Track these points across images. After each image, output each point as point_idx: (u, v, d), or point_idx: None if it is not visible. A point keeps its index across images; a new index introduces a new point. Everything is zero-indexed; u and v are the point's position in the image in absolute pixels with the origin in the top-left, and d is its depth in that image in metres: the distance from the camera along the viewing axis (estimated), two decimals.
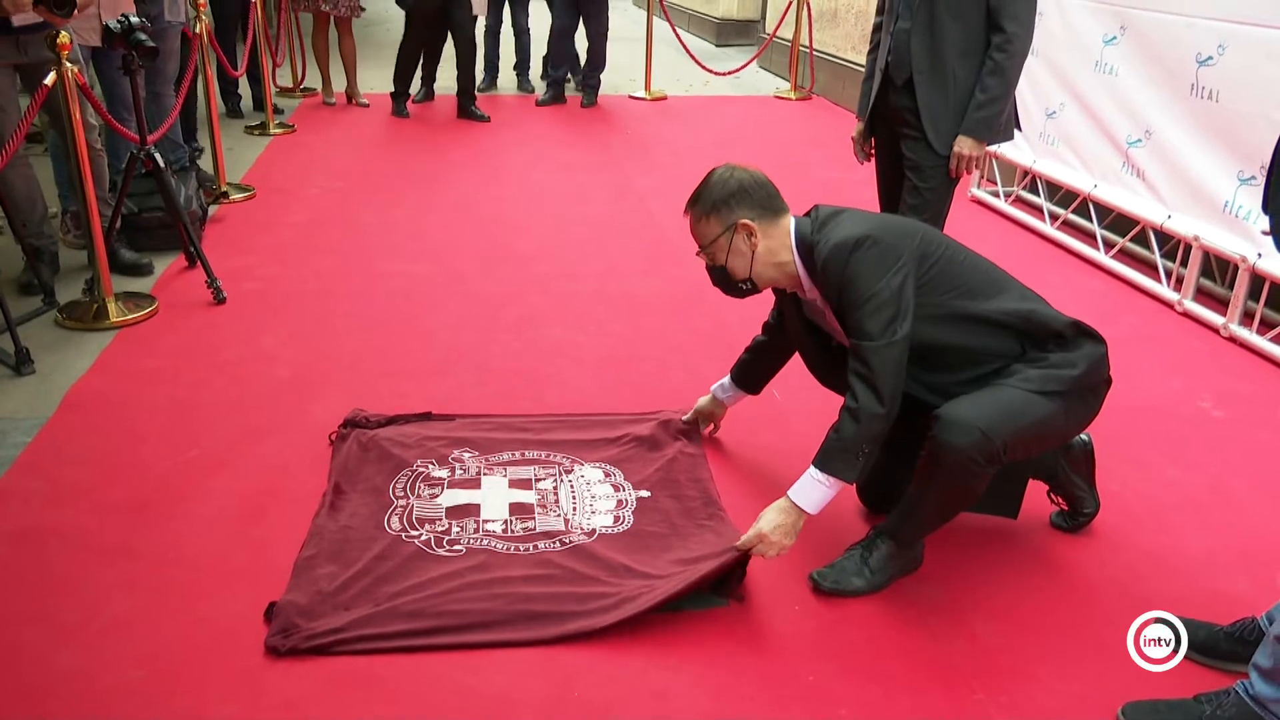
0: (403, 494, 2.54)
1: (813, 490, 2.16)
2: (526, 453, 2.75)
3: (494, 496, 2.53)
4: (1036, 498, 2.53)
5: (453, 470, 2.65)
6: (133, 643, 2.06)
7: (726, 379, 2.82)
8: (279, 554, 2.34)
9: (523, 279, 4.15)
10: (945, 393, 2.19)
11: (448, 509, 2.48)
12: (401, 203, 5.12)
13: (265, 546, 2.37)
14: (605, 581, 2.22)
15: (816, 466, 2.15)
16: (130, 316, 3.58)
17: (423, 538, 2.36)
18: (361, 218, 4.85)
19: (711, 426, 2.89)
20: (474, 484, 2.59)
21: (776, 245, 2.28)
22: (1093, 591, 2.31)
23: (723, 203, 2.27)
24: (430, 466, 2.66)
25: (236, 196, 5.05)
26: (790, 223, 2.30)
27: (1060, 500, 2.51)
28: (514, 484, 2.60)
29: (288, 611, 2.08)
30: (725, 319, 3.79)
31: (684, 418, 2.88)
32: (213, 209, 4.78)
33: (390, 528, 2.40)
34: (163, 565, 2.29)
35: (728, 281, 2.35)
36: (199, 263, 3.86)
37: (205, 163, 5.29)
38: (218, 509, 2.52)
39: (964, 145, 3.05)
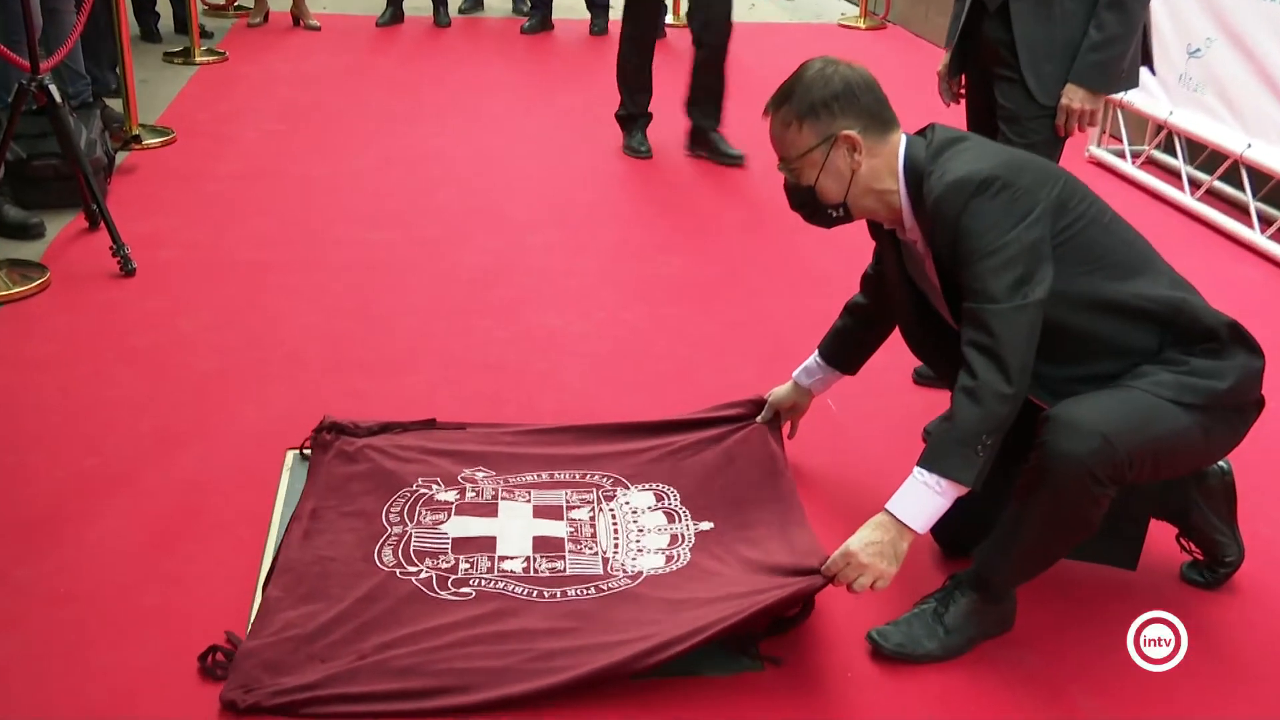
0: (399, 519, 2.55)
1: (918, 499, 2.12)
2: (556, 473, 2.75)
3: (514, 527, 2.54)
4: (1160, 544, 2.53)
5: (462, 492, 2.66)
6: (12, 697, 2.09)
7: (812, 359, 2.79)
8: (197, 591, 2.36)
9: (511, 252, 4.18)
10: (1056, 390, 2.20)
11: (455, 540, 2.49)
12: (360, 152, 5.16)
13: (180, 582, 2.40)
14: (645, 624, 2.22)
15: (923, 467, 2.12)
16: (15, 290, 3.63)
17: (422, 575, 2.37)
18: (309, 171, 4.90)
19: (789, 425, 2.87)
20: (489, 510, 2.60)
21: (881, 167, 2.29)
22: (1237, 665, 2.30)
23: (823, 106, 2.27)
24: (434, 487, 2.67)
25: (151, 141, 5.11)
26: (901, 141, 2.30)
27: (1193, 547, 2.52)
28: (540, 512, 2.61)
29: (249, 661, 2.10)
30: (765, 307, 3.81)
31: (759, 417, 2.87)
32: (121, 156, 4.84)
33: (382, 562, 2.41)
34: (52, 603, 2.33)
35: (813, 207, 2.36)
36: (103, 224, 3.91)
37: (115, 99, 5.35)
38: (121, 534, 2.55)
39: (1074, 96, 3.04)
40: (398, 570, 2.39)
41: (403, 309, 3.69)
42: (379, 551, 2.45)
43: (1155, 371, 2.17)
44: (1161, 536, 2.53)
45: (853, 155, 2.28)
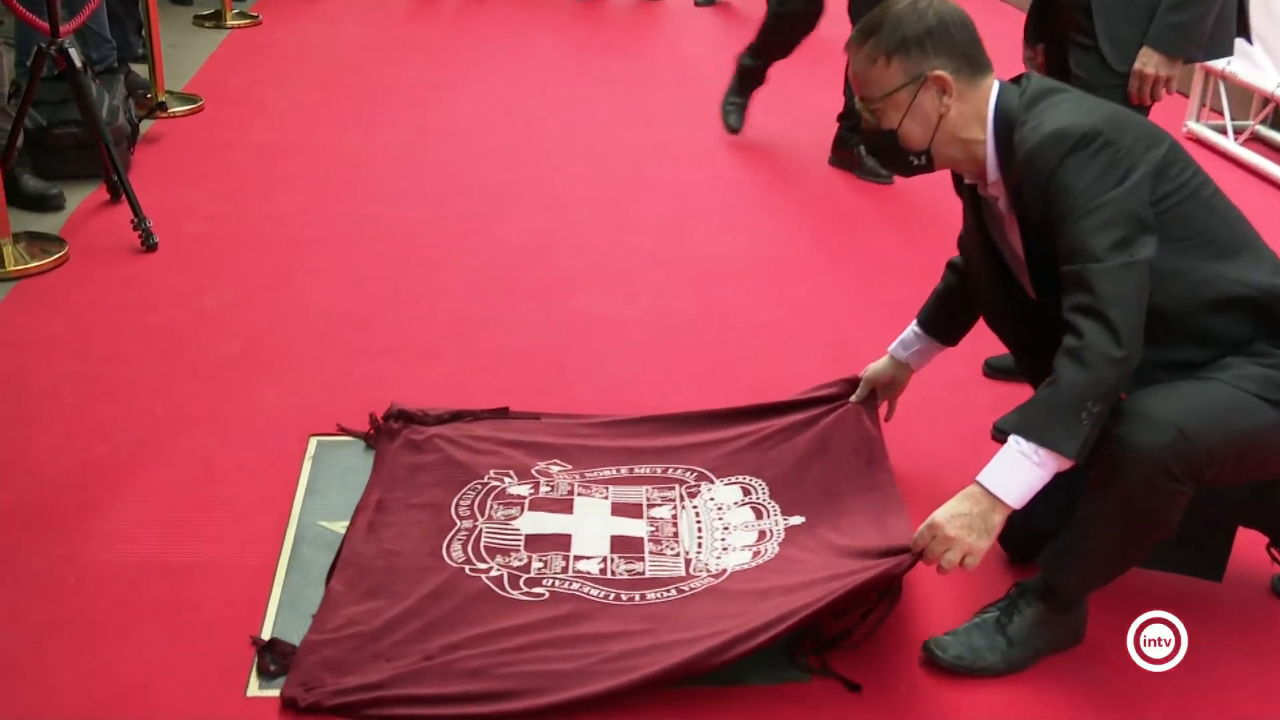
0: (469, 513, 2.58)
1: (1013, 469, 2.06)
2: (636, 467, 2.76)
3: (591, 525, 2.55)
4: (1248, 553, 2.49)
5: (536, 486, 2.67)
6: (15, 690, 2.13)
7: (909, 329, 2.76)
8: (210, 584, 2.39)
9: (554, 230, 4.19)
10: (1136, 375, 2.14)
11: (528, 537, 2.50)
12: (396, 122, 5.20)
13: (192, 574, 2.43)
14: (724, 618, 2.21)
15: (1020, 435, 2.06)
16: (32, 265, 3.70)
17: (493, 573, 2.39)
18: (342, 142, 4.95)
19: (886, 406, 2.82)
20: (564, 506, 2.61)
21: (970, 114, 2.27)
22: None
23: (915, 42, 2.24)
24: (507, 480, 2.69)
25: (178, 109, 5.18)
26: (993, 87, 2.28)
27: None
28: (618, 510, 2.61)
29: (310, 658, 2.13)
30: (830, 293, 3.79)
31: (853, 396, 2.80)
32: (146, 125, 4.91)
33: (450, 557, 2.43)
34: (56, 594, 2.36)
35: (893, 152, 2.34)
36: (124, 196, 3.97)
37: (141, 65, 5.43)
38: (131, 523, 2.58)
39: (1149, 60, 3.01)
40: (467, 567, 2.41)
41: (436, 289, 3.72)
42: (447, 546, 2.47)
43: (1241, 364, 2.13)
44: (1247, 547, 2.47)
45: (941, 98, 2.25)
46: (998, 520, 2.10)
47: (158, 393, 3.08)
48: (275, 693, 2.12)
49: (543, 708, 2.07)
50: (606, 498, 2.65)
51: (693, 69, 6.15)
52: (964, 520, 2.10)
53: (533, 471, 2.72)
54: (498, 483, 2.67)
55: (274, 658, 2.17)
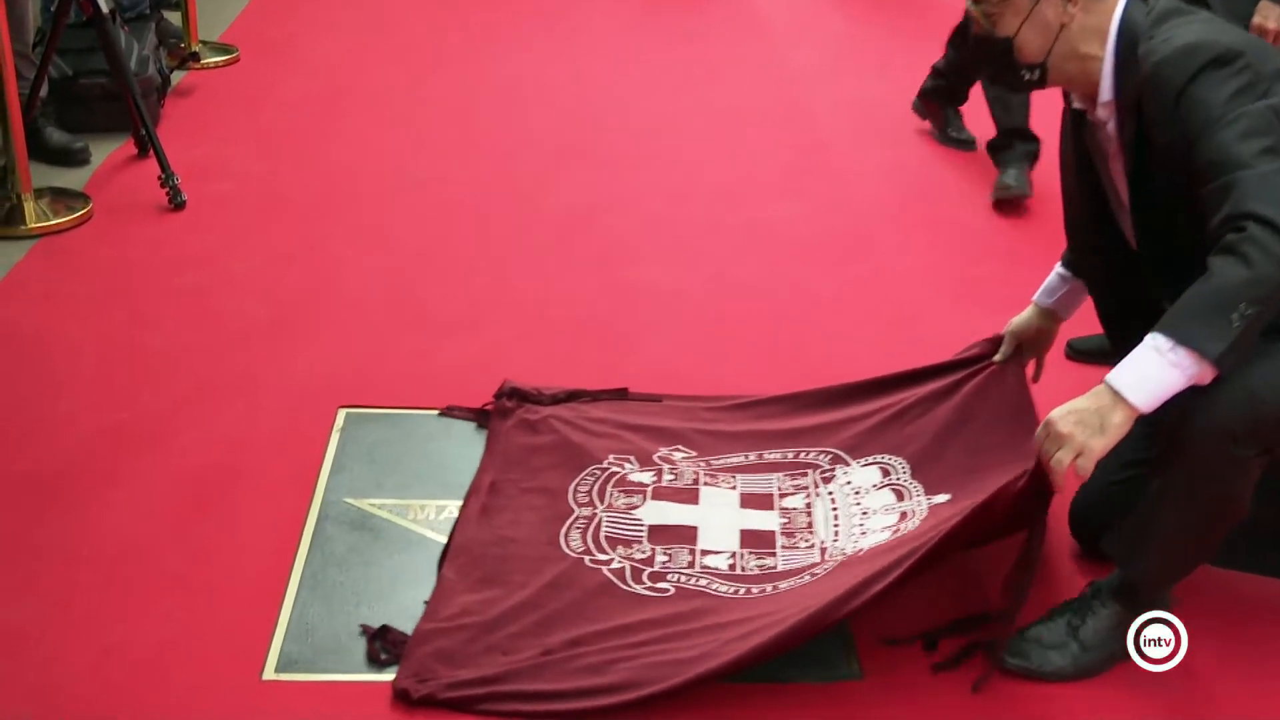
0: (587, 500, 2.59)
1: (1145, 367, 1.96)
2: (766, 453, 2.74)
3: (718, 518, 2.53)
4: None
5: (659, 474, 2.67)
6: (25, 666, 2.17)
7: (1054, 273, 2.66)
8: (230, 561, 2.43)
9: (609, 194, 4.20)
10: None
11: (651, 528, 2.51)
12: (443, 75, 5.22)
13: (212, 550, 2.47)
14: (846, 577, 2.20)
15: (1159, 331, 1.97)
16: (54, 221, 3.75)
17: (614, 565, 2.40)
18: (384, 96, 4.97)
19: (1034, 364, 2.73)
20: (689, 496, 2.61)
21: (1093, 28, 2.24)
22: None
23: None
24: (628, 465, 2.69)
25: (212, 60, 5.22)
26: (1120, 1, 2.25)
27: None
28: (747, 501, 2.60)
29: (423, 649, 2.16)
30: (898, 266, 3.77)
31: (996, 355, 2.71)
32: (177, 77, 4.95)
33: (569, 546, 2.45)
34: (72, 566, 2.41)
35: (1005, 64, 2.30)
36: (152, 151, 4.01)
37: (174, 12, 5.47)
38: (151, 494, 2.62)
39: (1269, 14, 2.99)
40: (587, 558, 2.42)
41: (479, 255, 3.73)
42: (565, 534, 2.49)
43: None
44: None
45: (1066, 6, 2.23)
46: (1118, 421, 1.98)
47: (182, 359, 3.12)
48: (293, 677, 2.16)
49: (662, 693, 2.07)
50: (734, 488, 2.64)
51: (768, 27, 6.10)
52: (1078, 416, 2.00)
53: (655, 458, 2.72)
54: (618, 468, 2.68)
55: (385, 646, 2.20)
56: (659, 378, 3.07)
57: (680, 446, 2.76)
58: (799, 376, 3.05)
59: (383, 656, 2.18)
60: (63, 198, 3.89)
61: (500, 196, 4.12)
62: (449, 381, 3.04)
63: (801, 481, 2.64)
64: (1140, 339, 2.01)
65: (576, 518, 2.53)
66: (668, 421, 2.85)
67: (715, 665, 2.09)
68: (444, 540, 2.49)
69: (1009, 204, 4.08)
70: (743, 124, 4.87)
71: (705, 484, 2.64)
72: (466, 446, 2.81)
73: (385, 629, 2.23)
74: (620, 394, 2.94)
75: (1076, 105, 2.35)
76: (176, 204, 3.90)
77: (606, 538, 2.47)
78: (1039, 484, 2.08)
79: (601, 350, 3.25)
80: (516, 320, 3.38)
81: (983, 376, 2.68)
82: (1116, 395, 1.98)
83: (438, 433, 2.87)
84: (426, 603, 2.29)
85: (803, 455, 2.71)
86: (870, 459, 2.66)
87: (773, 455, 2.73)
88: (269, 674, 2.17)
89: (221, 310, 3.36)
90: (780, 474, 2.67)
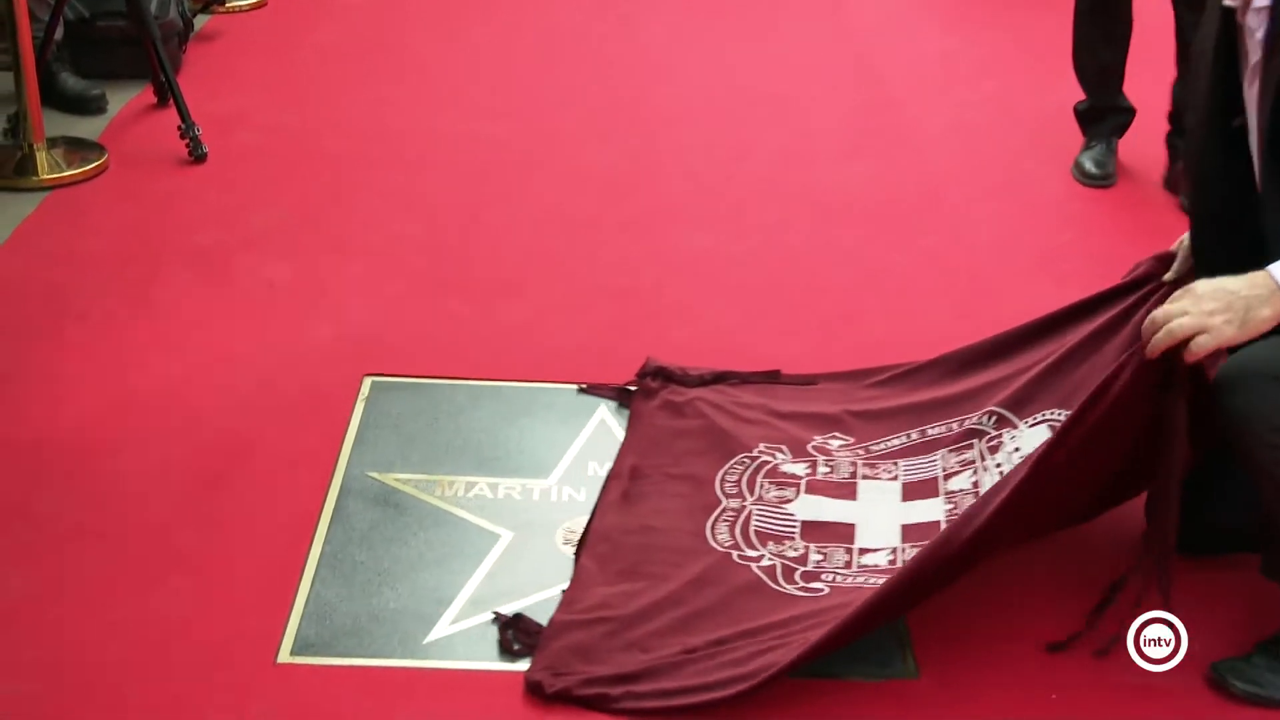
0: (736, 490, 2.58)
1: None
2: (929, 428, 2.68)
3: (879, 515, 2.50)
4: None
5: (813, 466, 2.65)
6: (22, 642, 2.19)
7: None
8: (242, 537, 2.44)
9: (655, 154, 4.18)
10: None
11: (805, 525, 2.49)
12: (483, 24, 5.20)
13: (222, 527, 2.47)
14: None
15: None
16: (68, 173, 3.77)
17: (764, 562, 2.38)
18: (419, 44, 4.96)
19: None
20: (847, 491, 2.58)
21: None
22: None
23: None
24: (779, 455, 2.67)
25: (238, 4, 5.22)
26: None
27: None
28: (910, 491, 2.56)
29: (557, 642, 2.17)
30: (969, 235, 3.75)
31: (1167, 274, 2.55)
32: (201, 21, 4.96)
33: (716, 539, 2.44)
34: (74, 539, 2.42)
35: None
36: (172, 100, 4.02)
37: None
38: (159, 464, 2.63)
39: None
40: (735, 552, 2.41)
41: (517, 218, 3.72)
42: (712, 526, 2.48)
43: None
44: None
45: None
46: (1265, 315, 1.97)
47: (199, 320, 3.13)
48: (309, 660, 2.17)
49: (784, 668, 2.09)
50: (896, 477, 2.60)
51: None
52: (1225, 297, 1.99)
53: (809, 448, 2.69)
54: (769, 458, 2.66)
55: (518, 635, 2.21)
56: (708, 352, 3.05)
57: (836, 433, 2.73)
58: (860, 354, 3.03)
59: (515, 647, 2.19)
60: (77, 148, 3.91)
61: (541, 155, 4.11)
62: (482, 350, 3.05)
63: (967, 456, 2.57)
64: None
65: (724, 509, 2.52)
66: (821, 406, 2.82)
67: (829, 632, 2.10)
68: (473, 518, 2.51)
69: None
70: (802, 81, 4.83)
71: (864, 477, 2.60)
72: (499, 420, 2.82)
73: (519, 617, 2.23)
74: (772, 376, 2.93)
75: (1228, 2, 2.25)
76: (197, 156, 3.91)
77: (756, 532, 2.46)
78: (1163, 376, 2.05)
79: (648, 321, 3.24)
80: (556, 287, 3.37)
81: (1156, 300, 2.56)
82: (1276, 287, 1.96)
83: (468, 404, 2.87)
84: (564, 591, 2.31)
85: (967, 422, 2.63)
86: (1039, 417, 2.53)
87: (935, 430, 2.67)
88: (284, 657, 2.17)
89: (242, 269, 3.37)
90: (944, 451, 2.61)
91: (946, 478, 2.54)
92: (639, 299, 3.34)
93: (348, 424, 2.76)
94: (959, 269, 3.56)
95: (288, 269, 3.38)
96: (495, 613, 2.26)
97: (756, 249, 3.63)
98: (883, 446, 2.68)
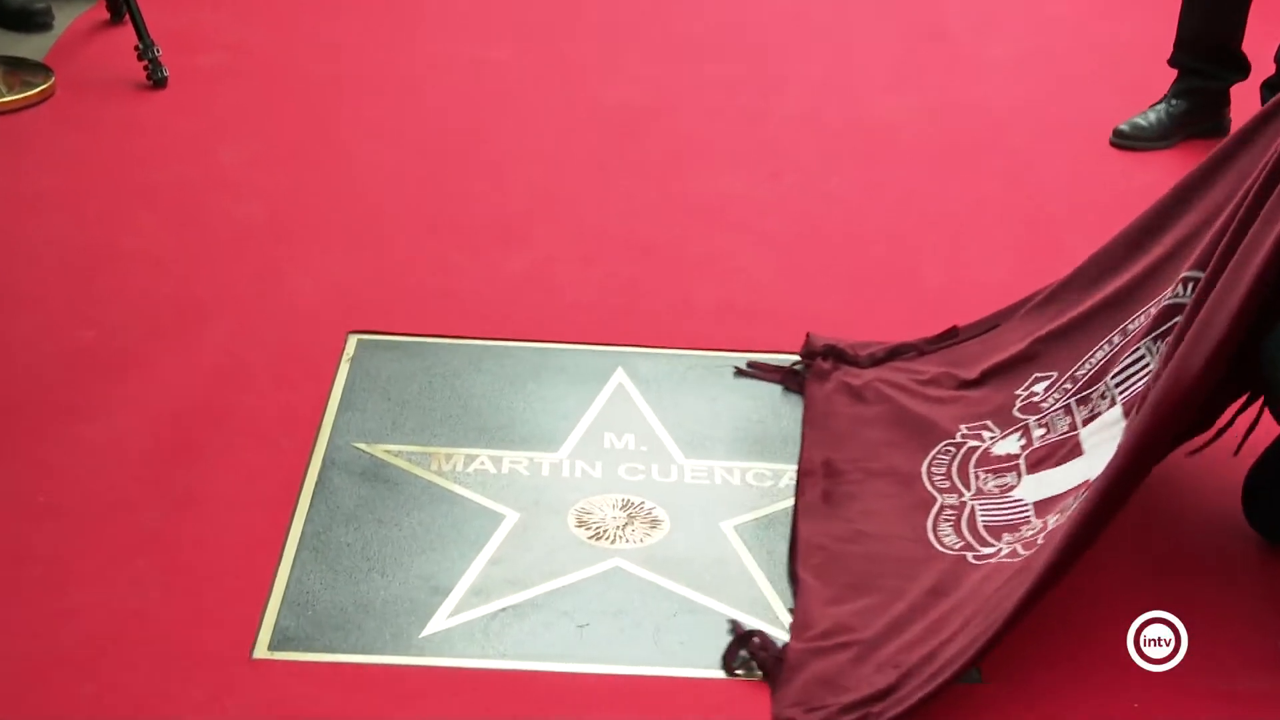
0: (948, 485, 2.57)
1: None
2: (1129, 324, 2.60)
3: (1109, 452, 2.43)
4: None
5: (1027, 434, 2.61)
6: None
7: None
8: (212, 519, 2.42)
9: (677, 85, 4.15)
10: None
11: (1038, 504, 2.46)
12: None
13: (192, 501, 2.46)
14: None
15: None
16: (9, 98, 3.76)
17: (1004, 553, 2.37)
18: None
19: None
20: (1070, 450, 2.51)
21: None
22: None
23: None
24: (986, 435, 2.66)
25: None
26: None
27: None
28: (1134, 403, 2.45)
29: (802, 674, 2.18)
30: (1033, 179, 3.73)
31: None
32: None
33: (943, 543, 2.44)
34: (27, 518, 2.41)
35: None
36: (128, 15, 3.98)
37: None
38: (122, 432, 2.62)
39: None
40: (969, 554, 2.40)
41: (520, 156, 3.71)
42: (933, 528, 2.47)
43: None
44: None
45: None
46: None
47: (161, 269, 3.11)
48: (288, 655, 2.16)
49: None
50: (1113, 401, 2.51)
51: None
52: None
53: (1015, 412, 2.67)
54: (976, 442, 2.65)
55: (753, 655, 2.22)
56: (737, 310, 3.06)
57: (1036, 374, 2.70)
58: (908, 313, 3.03)
59: (737, 671, 2.20)
60: (19, 70, 3.89)
61: (546, 85, 4.09)
62: (483, 305, 3.04)
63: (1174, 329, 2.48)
64: None
65: (942, 507, 2.51)
66: (1010, 348, 2.80)
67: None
68: (473, 496, 2.51)
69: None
70: (839, 9, 4.80)
71: (1084, 422, 2.54)
72: (503, 384, 2.81)
73: (754, 634, 2.23)
74: (949, 337, 2.92)
75: None
76: (156, 80, 3.90)
77: (986, 528, 2.44)
78: None
79: (670, 273, 3.24)
80: (565, 235, 3.36)
81: None
82: None
83: (467, 366, 2.86)
84: (791, 611, 2.31)
85: (1163, 300, 2.53)
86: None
87: (1137, 321, 2.60)
88: (260, 652, 2.16)
89: (209, 211, 3.35)
90: (1147, 341, 2.50)
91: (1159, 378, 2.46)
92: (660, 249, 3.33)
93: (330, 388, 2.76)
94: (1020, 216, 3.55)
95: (262, 210, 3.37)
96: (731, 622, 2.26)
97: (792, 193, 3.61)
98: (1088, 367, 2.62)
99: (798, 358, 2.90)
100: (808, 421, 2.75)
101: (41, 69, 3.91)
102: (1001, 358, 2.78)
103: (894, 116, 4.02)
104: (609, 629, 2.26)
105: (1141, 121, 3.92)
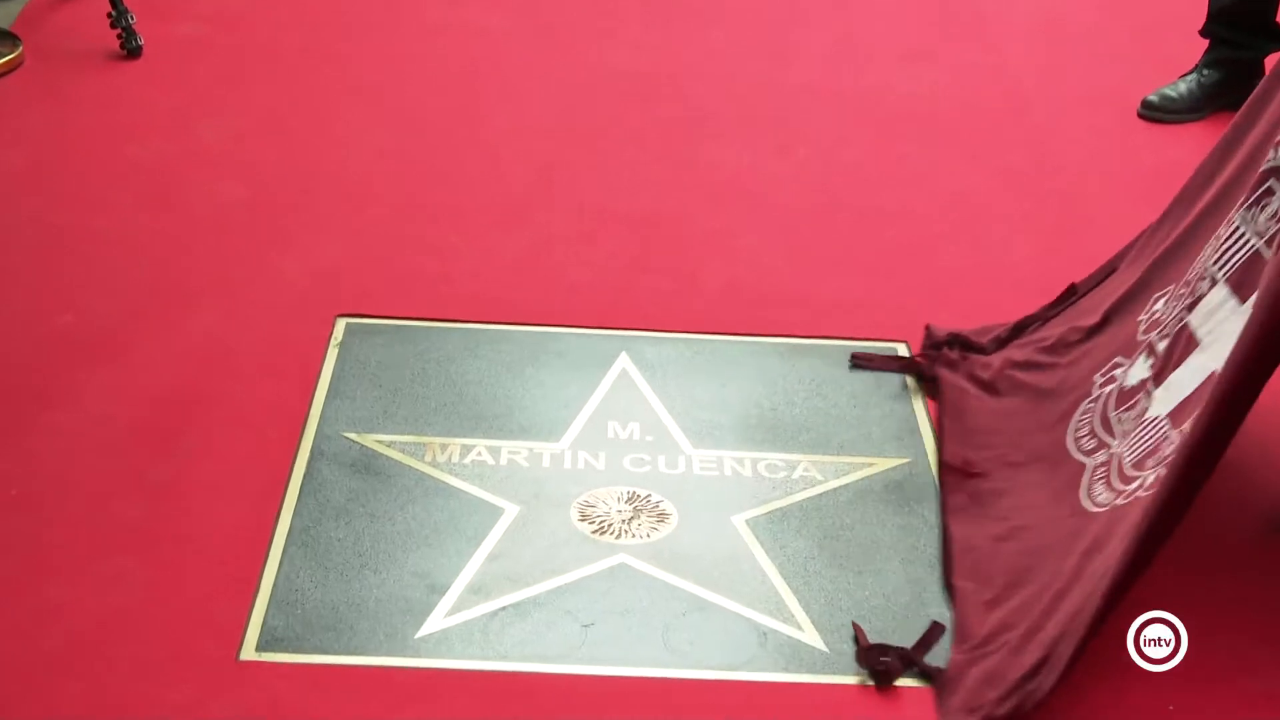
0: (1095, 444, 2.57)
1: None
2: (1233, 213, 2.52)
3: (1228, 332, 2.37)
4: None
5: (1152, 352, 2.58)
6: None
7: None
8: (195, 513, 2.43)
9: (680, 53, 4.15)
10: None
11: (1171, 415, 2.44)
12: None
13: (174, 494, 2.46)
14: None
15: None
16: None
17: (1149, 480, 2.35)
18: None
19: None
20: (1185, 344, 2.47)
21: None
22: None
23: None
24: (1118, 371, 2.65)
25: None
26: None
27: None
28: (1237, 280, 2.42)
29: (965, 679, 2.22)
30: (1065, 152, 3.73)
31: None
32: None
33: (1095, 502, 2.45)
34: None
35: None
36: None
37: None
38: (100, 421, 2.62)
39: None
40: (1119, 499, 2.41)
41: (517, 127, 3.70)
42: (1088, 494, 2.48)
43: None
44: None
45: None
46: None
47: (139, 250, 3.11)
48: (277, 657, 2.16)
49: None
50: (1212, 279, 2.49)
51: None
52: None
53: (1138, 336, 2.67)
54: (1110, 386, 2.65)
55: (914, 666, 2.26)
56: (744, 292, 3.06)
57: (1155, 293, 2.71)
58: (929, 294, 3.04)
59: (876, 670, 2.23)
60: None
61: (542, 54, 4.08)
62: (478, 287, 3.03)
63: (1272, 205, 2.44)
64: None
65: (1093, 470, 2.51)
66: (1128, 281, 2.81)
67: None
68: (470, 489, 2.51)
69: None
70: None
71: (1188, 308, 2.50)
72: (500, 370, 2.81)
73: (917, 657, 2.26)
74: (1069, 296, 2.93)
75: None
76: (130, 50, 3.88)
77: (1134, 464, 2.44)
78: None
79: (674, 252, 3.24)
80: (565, 212, 3.36)
81: None
82: None
83: (462, 351, 2.86)
84: (953, 623, 2.34)
85: (1262, 165, 2.52)
86: None
87: (1236, 210, 2.57)
88: (247, 653, 2.17)
89: (188, 188, 3.35)
90: (1240, 212, 2.49)
91: (1268, 241, 2.42)
92: (665, 226, 3.33)
93: (318, 375, 2.76)
94: (1047, 192, 3.55)
95: (244, 188, 3.36)
96: (933, 622, 2.31)
97: (804, 167, 3.61)
98: (1199, 265, 2.61)
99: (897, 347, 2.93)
100: (945, 413, 2.79)
101: (8, 37, 3.90)
102: (1121, 292, 2.78)
103: (911, 86, 4.02)
104: (615, 629, 2.26)
105: (1171, 93, 3.93)
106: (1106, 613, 2.13)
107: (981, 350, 2.87)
